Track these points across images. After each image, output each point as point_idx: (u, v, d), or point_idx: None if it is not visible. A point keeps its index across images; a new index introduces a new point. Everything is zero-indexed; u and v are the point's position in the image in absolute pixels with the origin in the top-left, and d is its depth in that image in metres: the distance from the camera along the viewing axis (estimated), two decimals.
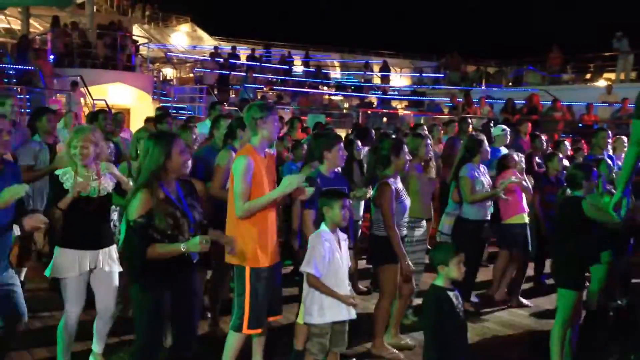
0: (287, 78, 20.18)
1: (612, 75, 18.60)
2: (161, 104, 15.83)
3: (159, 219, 3.37)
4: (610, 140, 7.99)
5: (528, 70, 20.26)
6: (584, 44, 20.47)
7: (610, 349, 5.05)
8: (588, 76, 19.86)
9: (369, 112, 17.15)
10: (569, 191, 4.83)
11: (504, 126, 8.08)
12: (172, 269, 3.49)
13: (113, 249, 4.19)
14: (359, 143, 6.84)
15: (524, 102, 14.86)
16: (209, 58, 20.27)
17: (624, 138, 7.89)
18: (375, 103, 20.31)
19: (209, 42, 27.52)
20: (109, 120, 7.69)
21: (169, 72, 22.40)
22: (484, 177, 5.90)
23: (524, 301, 6.28)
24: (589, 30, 21.09)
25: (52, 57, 16.13)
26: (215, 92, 17.32)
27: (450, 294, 3.57)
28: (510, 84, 20.96)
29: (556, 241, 4.56)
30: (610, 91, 15.54)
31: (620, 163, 6.95)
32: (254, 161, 3.89)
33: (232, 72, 19.38)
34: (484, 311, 6.00)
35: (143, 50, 19.44)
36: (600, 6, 22.80)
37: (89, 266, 4.03)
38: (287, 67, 20.98)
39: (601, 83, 18.23)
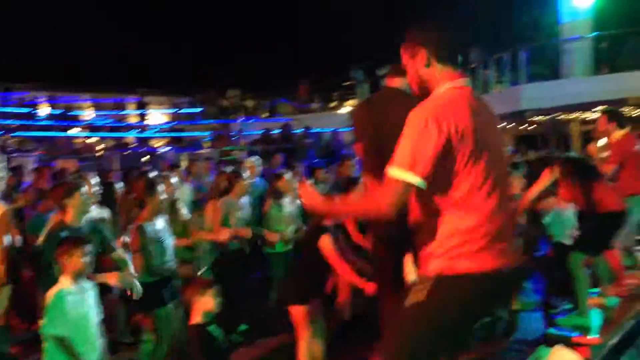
0: (29, 122, 18.37)
1: (354, 102, 20.49)
2: None
3: None
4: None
5: (281, 102, 21.40)
6: (327, 75, 22.21)
7: None
8: (333, 104, 21.62)
9: (125, 153, 16.38)
10: None
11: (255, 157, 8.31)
12: None
13: None
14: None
15: (280, 130, 15.60)
16: None
17: None
18: (134, 142, 19.53)
19: None
20: None
21: None
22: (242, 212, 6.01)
23: None
24: (330, 62, 22.92)
25: None
26: None
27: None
28: (265, 115, 21.89)
29: None
30: None
31: None
32: None
33: None
34: None
35: None
36: (338, 40, 25.07)
37: None
38: (30, 110, 19.14)
39: (344, 110, 19.96)
